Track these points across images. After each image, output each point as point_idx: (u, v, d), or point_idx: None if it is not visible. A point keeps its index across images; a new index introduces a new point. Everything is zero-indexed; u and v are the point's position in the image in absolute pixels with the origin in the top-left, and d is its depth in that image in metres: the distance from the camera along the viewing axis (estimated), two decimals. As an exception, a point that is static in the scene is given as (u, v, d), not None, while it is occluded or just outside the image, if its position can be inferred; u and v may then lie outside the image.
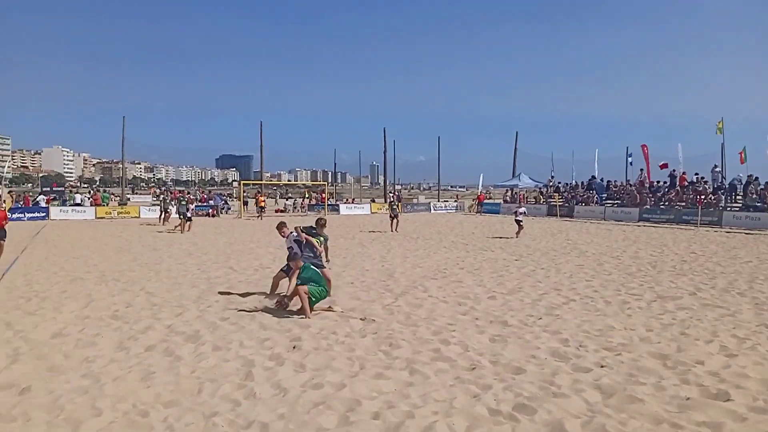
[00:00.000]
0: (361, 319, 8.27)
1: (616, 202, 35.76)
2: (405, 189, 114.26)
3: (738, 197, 30.49)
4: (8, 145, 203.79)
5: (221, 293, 10.28)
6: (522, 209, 22.30)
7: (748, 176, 30.73)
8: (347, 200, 52.82)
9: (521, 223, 21.38)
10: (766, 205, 27.54)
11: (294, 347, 6.79)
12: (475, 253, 16.55)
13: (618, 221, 31.47)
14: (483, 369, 5.99)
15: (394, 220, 24.82)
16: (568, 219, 34.49)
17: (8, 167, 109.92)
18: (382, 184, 67.30)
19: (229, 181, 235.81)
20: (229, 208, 41.21)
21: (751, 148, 33.02)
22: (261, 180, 54.17)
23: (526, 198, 45.12)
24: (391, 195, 52.76)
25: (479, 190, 50.23)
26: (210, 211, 37.22)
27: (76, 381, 5.65)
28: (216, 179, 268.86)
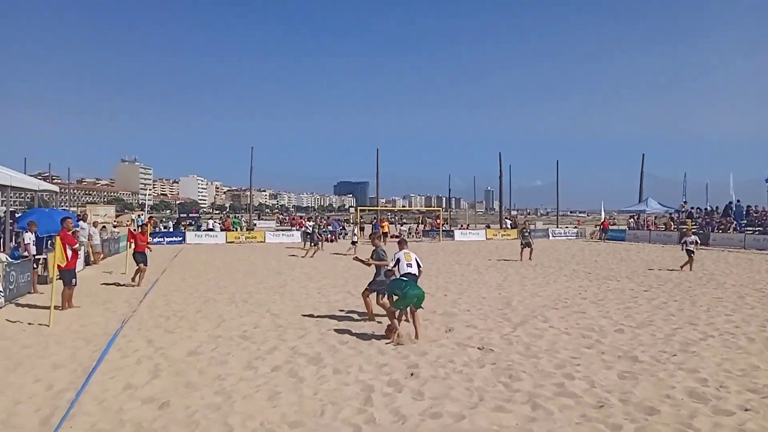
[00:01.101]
0: (478, 348, 8.13)
1: (757, 229, 32.63)
2: (521, 214, 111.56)
3: None
4: (150, 174, 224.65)
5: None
6: (692, 238, 19.96)
7: None
8: (462, 226, 52.50)
9: (692, 254, 19.34)
10: None
11: (411, 374, 6.80)
12: (599, 283, 15.75)
13: (760, 250, 28.64)
14: (612, 407, 5.65)
15: (526, 249, 23.39)
16: (703, 247, 31.85)
17: (149, 195, 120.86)
18: (497, 209, 66.27)
19: (346, 206, 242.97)
20: (347, 234, 42.37)
21: None
22: (377, 206, 55.27)
23: (656, 224, 42.41)
24: (507, 220, 51.75)
25: (602, 216, 47.92)
26: (329, 236, 38.56)
27: (210, 397, 6.02)
28: (334, 205, 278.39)
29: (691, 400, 5.86)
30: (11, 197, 21.20)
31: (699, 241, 18.87)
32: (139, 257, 15.26)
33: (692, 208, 40.26)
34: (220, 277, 17.37)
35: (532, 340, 8.65)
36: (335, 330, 9.41)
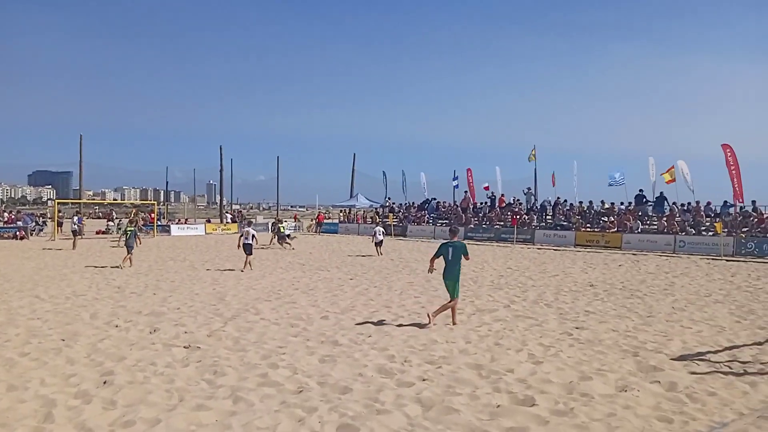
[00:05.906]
0: (185, 347, 7.81)
1: (445, 221, 37.92)
2: (244, 208, 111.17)
3: (548, 217, 33.85)
4: None
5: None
6: (379, 228, 23.38)
7: (556, 198, 34.34)
8: (179, 220, 50.16)
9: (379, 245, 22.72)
10: (571, 224, 30.95)
11: (104, 382, 6.20)
12: (311, 273, 16.54)
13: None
14: (310, 391, 5.93)
15: (286, 244, 26.18)
16: (401, 238, 35.87)
17: None
18: (219, 203, 65.01)
19: (44, 199, 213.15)
20: (41, 230, 37.08)
21: (560, 174, 37.08)
22: (80, 199, 49.68)
23: (364, 218, 46.23)
24: (227, 214, 51.09)
25: (317, 210, 50.56)
26: (17, 233, 33.16)
27: None
28: (29, 197, 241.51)
29: (380, 376, 6.49)
30: None
31: (385, 231, 23.29)
32: None
33: (393, 203, 44.90)
34: None
35: (241, 333, 8.64)
36: (15, 340, 8.10)
